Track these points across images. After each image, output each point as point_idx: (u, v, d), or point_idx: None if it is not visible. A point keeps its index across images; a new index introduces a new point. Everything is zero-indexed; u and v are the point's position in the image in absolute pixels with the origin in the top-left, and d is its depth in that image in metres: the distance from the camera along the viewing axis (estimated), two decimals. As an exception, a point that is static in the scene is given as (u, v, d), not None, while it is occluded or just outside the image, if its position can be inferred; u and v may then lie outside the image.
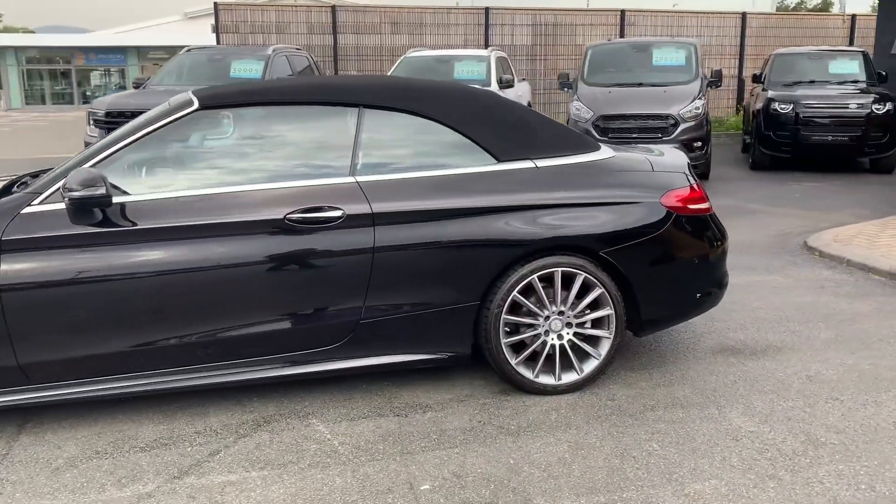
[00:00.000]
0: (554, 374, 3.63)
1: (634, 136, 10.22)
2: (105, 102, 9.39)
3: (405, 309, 3.44)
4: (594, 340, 3.67)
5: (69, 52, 39.15)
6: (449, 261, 3.44)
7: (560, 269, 3.53)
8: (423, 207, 3.41)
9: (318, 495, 2.82)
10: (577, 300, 3.60)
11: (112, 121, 8.62)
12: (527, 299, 3.55)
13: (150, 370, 3.25)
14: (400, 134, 3.61)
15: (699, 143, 10.28)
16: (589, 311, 3.63)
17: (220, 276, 3.23)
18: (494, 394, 3.66)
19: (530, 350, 3.60)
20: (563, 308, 3.59)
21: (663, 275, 3.72)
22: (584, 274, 3.55)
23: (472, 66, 11.08)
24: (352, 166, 3.43)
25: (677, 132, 10.14)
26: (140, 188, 3.30)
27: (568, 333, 3.63)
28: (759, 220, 7.83)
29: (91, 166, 3.20)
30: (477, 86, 10.29)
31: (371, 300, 3.38)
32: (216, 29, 14.23)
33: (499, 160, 3.57)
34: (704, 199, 3.82)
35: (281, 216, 3.25)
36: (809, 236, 6.74)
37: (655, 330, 3.95)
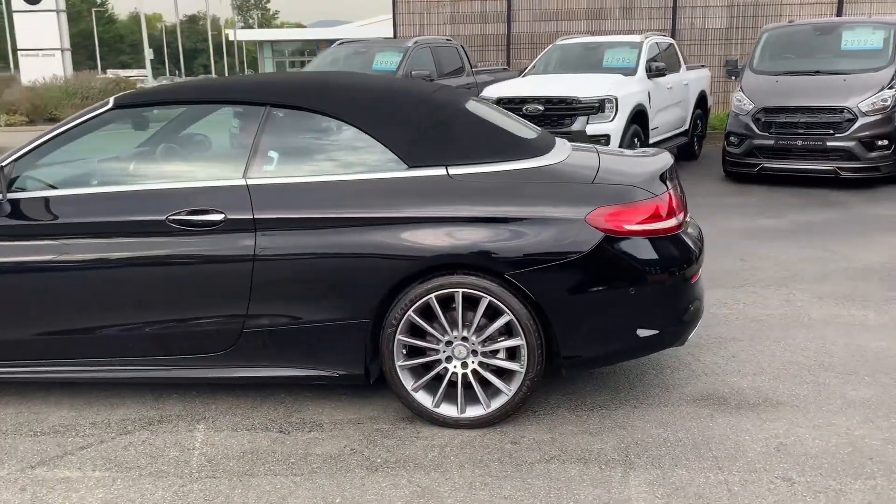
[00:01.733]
0: (457, 405, 3.25)
1: (800, 132, 8.96)
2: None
3: (291, 321, 3.26)
4: (507, 373, 3.23)
5: (314, 45, 42.72)
6: (336, 274, 3.20)
7: (461, 290, 3.14)
8: (308, 215, 3.20)
9: (127, 506, 2.77)
10: (482, 326, 3.19)
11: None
12: (429, 320, 3.20)
13: (43, 359, 3.40)
14: (306, 135, 3.42)
15: (884, 142, 8.73)
16: (502, 338, 3.20)
17: (104, 274, 3.29)
18: (399, 420, 3.37)
19: (429, 376, 3.26)
20: (465, 333, 3.20)
21: (588, 305, 3.17)
22: (489, 297, 3.12)
23: (623, 52, 10.31)
24: (246, 168, 3.30)
25: (853, 128, 8.71)
26: (56, 182, 3.43)
27: (473, 362, 3.22)
28: (914, 238, 6.47)
29: (15, 160, 3.39)
30: (620, 74, 9.74)
31: (254, 309, 3.25)
32: (393, 21, 14.64)
33: (409, 166, 3.25)
34: (663, 217, 3.19)
35: (163, 217, 3.22)
36: (950, 263, 5.43)
37: (582, 369, 3.41)
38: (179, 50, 44.59)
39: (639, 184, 3.25)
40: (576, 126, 8.86)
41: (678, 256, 3.23)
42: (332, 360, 3.29)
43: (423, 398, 3.27)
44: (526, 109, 9.10)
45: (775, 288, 5.16)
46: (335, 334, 3.25)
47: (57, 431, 3.35)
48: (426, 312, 3.20)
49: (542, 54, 10.91)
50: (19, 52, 24.62)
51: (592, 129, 8.80)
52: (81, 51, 66.15)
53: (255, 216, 3.19)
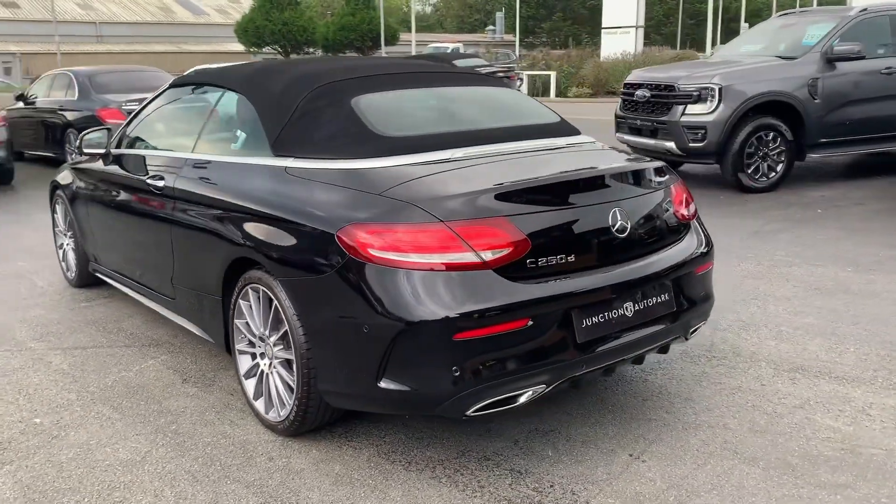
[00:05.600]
0: (264, 404, 3.15)
1: None
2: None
3: (187, 282, 3.60)
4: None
5: None
6: (198, 249, 3.43)
7: (261, 288, 3.02)
8: (192, 189, 3.46)
9: None
10: (275, 329, 3.00)
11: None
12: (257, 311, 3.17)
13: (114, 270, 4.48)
14: (233, 116, 3.58)
15: None
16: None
17: (127, 217, 4.12)
18: (255, 403, 3.41)
19: (249, 366, 3.23)
20: (264, 333, 3.06)
21: (332, 335, 2.70)
22: (276, 301, 2.93)
23: None
24: (196, 143, 3.68)
25: None
26: (132, 143, 4.36)
27: (271, 364, 3.07)
28: None
29: (125, 125, 4.45)
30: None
31: (176, 267, 3.67)
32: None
33: (274, 154, 3.17)
34: (445, 247, 2.48)
35: (145, 178, 3.86)
36: None
37: (340, 406, 2.84)
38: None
39: (420, 201, 2.55)
40: None
41: (442, 301, 2.45)
42: (208, 327, 3.52)
43: (249, 387, 3.25)
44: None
45: None
46: (205, 304, 3.46)
47: (119, 331, 4.38)
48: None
49: None
50: (603, 31, 27.20)
51: None
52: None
53: (175, 185, 3.59)
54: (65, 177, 5.08)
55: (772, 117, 7.90)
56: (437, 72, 3.70)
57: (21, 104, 12.20)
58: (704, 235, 3.26)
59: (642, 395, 3.41)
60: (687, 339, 3.14)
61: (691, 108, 7.94)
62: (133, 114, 4.46)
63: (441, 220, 2.51)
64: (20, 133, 11.59)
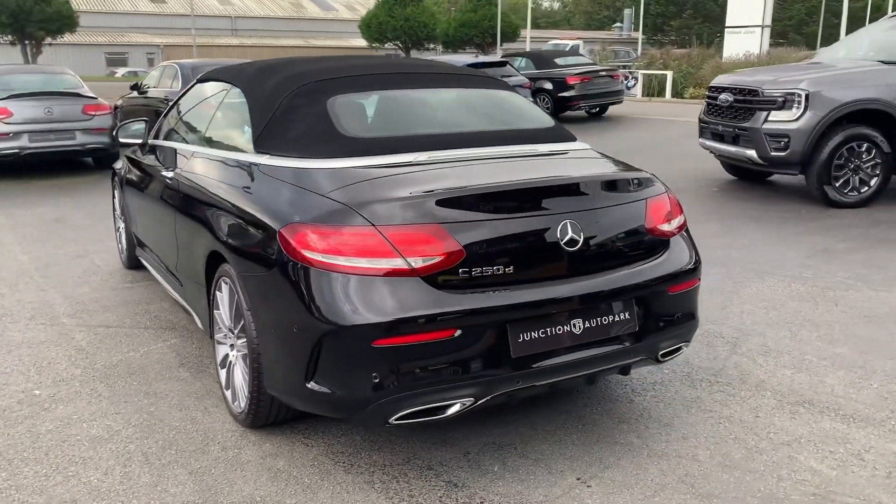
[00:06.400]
0: (230, 394, 3.22)
1: None
2: None
3: (185, 271, 3.73)
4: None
5: None
6: (190, 239, 3.54)
7: (229, 281, 3.08)
8: (188, 182, 3.59)
9: (41, 364, 3.88)
10: (238, 322, 3.07)
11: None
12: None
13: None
14: (234, 113, 3.65)
15: None
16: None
17: (151, 203, 4.30)
18: (236, 392, 3.50)
19: (221, 357, 3.31)
20: (231, 325, 3.13)
21: (272, 331, 2.72)
22: (236, 295, 2.99)
23: None
24: (201, 137, 3.81)
25: None
26: (165, 136, 4.54)
27: (236, 356, 3.14)
28: None
29: (163, 117, 4.67)
30: None
31: (178, 256, 3.82)
32: None
33: (255, 150, 3.23)
34: (375, 252, 2.46)
35: (161, 169, 4.04)
36: None
37: (282, 400, 2.83)
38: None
39: (356, 205, 2.53)
40: None
41: (366, 305, 2.43)
42: (200, 315, 3.63)
43: (223, 377, 3.33)
44: None
45: None
46: (196, 293, 3.57)
47: (146, 313, 4.61)
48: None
49: None
50: (726, 30, 25.92)
51: None
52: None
53: (179, 177, 3.73)
54: (119, 164, 5.39)
55: (866, 127, 7.30)
56: (432, 73, 3.66)
57: (136, 93, 13.01)
58: (691, 252, 3.05)
59: (620, 416, 3.24)
60: (659, 361, 2.96)
61: (775, 115, 7.45)
62: (168, 107, 4.66)
63: (373, 225, 2.48)
64: (133, 120, 12.39)
